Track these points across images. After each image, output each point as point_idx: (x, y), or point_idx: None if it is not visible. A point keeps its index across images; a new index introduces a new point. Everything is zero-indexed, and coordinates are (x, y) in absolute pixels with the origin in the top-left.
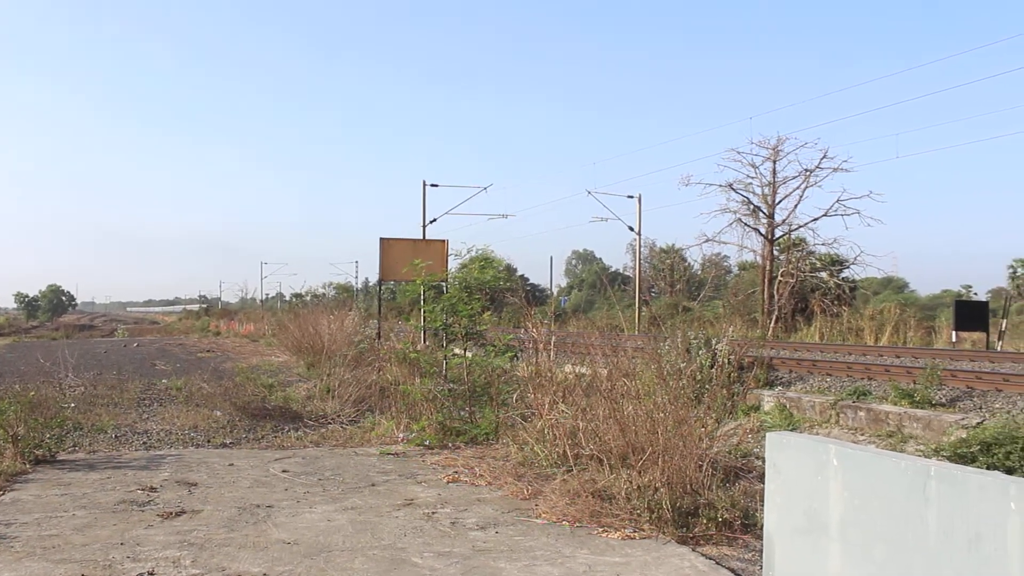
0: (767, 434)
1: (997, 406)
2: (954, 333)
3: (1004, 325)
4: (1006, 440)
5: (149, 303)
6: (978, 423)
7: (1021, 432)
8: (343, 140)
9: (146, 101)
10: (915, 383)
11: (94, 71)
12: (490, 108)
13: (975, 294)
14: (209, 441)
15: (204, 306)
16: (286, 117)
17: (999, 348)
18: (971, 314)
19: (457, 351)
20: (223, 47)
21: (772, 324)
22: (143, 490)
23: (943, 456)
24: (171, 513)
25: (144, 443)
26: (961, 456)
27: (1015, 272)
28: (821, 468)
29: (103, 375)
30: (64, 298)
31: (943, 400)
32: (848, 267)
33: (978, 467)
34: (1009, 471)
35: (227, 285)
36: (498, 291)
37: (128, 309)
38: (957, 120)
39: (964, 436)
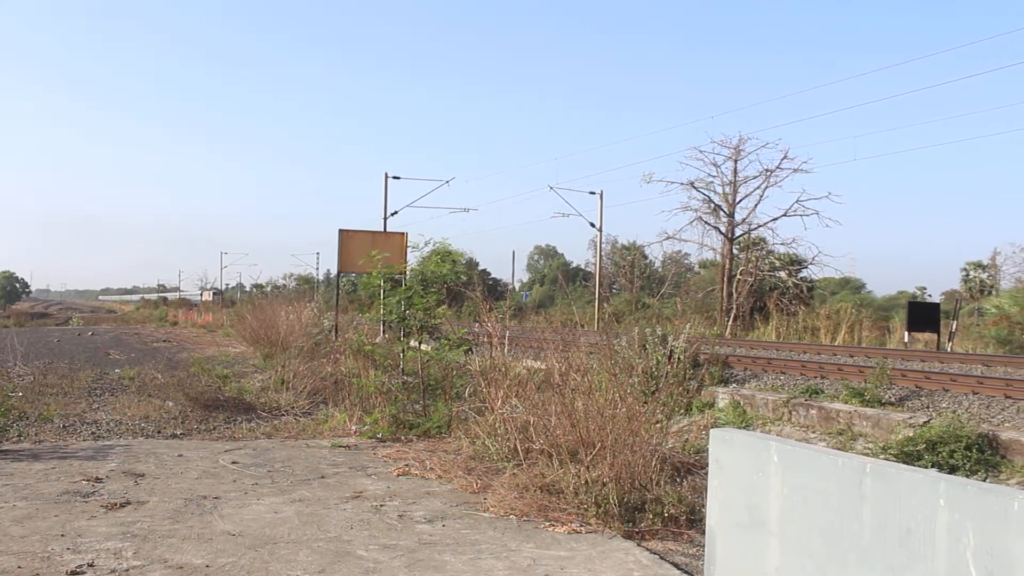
0: (711, 431)
1: (944, 405)
2: (907, 334)
3: (954, 327)
4: (951, 439)
5: (106, 291)
6: (925, 422)
7: (965, 431)
8: (307, 131)
9: (102, 87)
10: (866, 382)
11: (49, 56)
12: (453, 102)
13: (929, 296)
14: (160, 432)
15: (163, 296)
16: (249, 107)
17: (949, 349)
18: (924, 315)
19: (413, 344)
20: (187, 33)
21: (730, 322)
22: (88, 481)
23: (890, 454)
24: (115, 504)
25: (93, 433)
26: (907, 454)
27: (968, 275)
28: (762, 465)
29: (54, 364)
30: (18, 285)
31: (892, 399)
32: (806, 267)
33: (923, 465)
34: (953, 469)
35: (186, 275)
36: (457, 285)
37: (100, 298)
38: (914, 124)
39: (911, 435)
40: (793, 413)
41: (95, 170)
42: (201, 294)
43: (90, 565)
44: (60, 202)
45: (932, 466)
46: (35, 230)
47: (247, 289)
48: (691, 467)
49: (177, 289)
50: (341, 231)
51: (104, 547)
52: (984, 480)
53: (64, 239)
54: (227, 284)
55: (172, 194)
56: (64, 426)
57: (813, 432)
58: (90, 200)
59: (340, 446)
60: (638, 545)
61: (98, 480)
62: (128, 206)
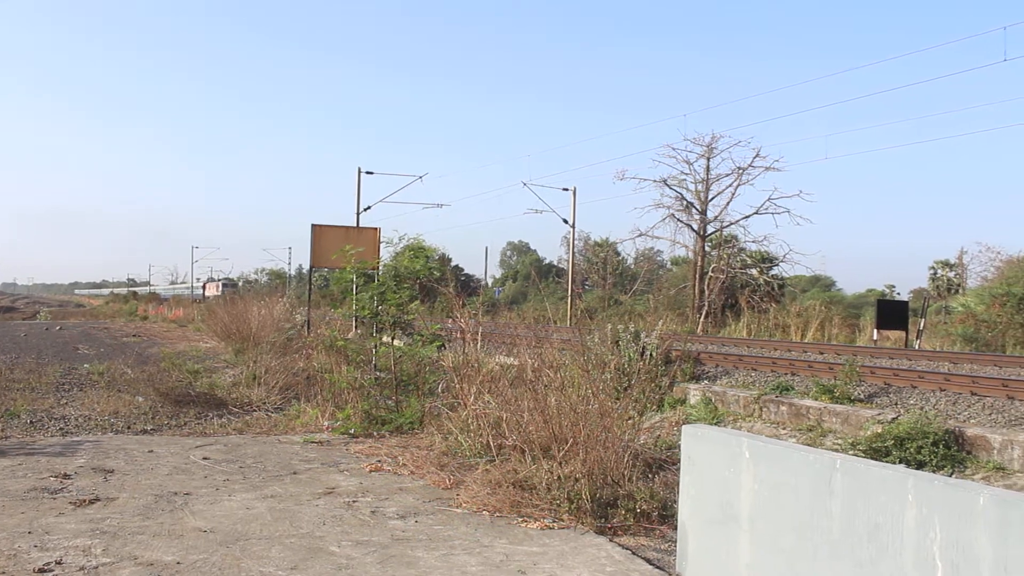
0: (683, 427)
1: (912, 402)
2: (876, 331)
3: (922, 324)
4: (918, 435)
5: (75, 285)
6: (893, 418)
7: (932, 427)
8: (280, 127)
9: (72, 81)
10: (836, 379)
11: (17, 49)
12: (427, 98)
13: (898, 294)
14: (129, 427)
15: (132, 290)
16: (219, 101)
17: (917, 346)
18: (892, 313)
19: (385, 340)
20: (161, 31)
21: (702, 319)
22: (56, 477)
23: (859, 450)
24: (84, 501)
25: (61, 429)
26: (876, 450)
27: (935, 273)
28: (734, 460)
29: (21, 359)
30: None
31: (861, 396)
32: (777, 265)
33: (892, 461)
34: (920, 465)
35: (157, 269)
36: (430, 281)
37: (76, 292)
38: (885, 124)
39: (879, 431)
40: (764, 409)
41: (64, 165)
42: (204, 287)
43: (58, 563)
44: (28, 196)
45: (900, 462)
46: (1, 224)
47: None
48: (663, 463)
49: (147, 283)
50: (314, 226)
51: (73, 544)
52: (951, 476)
53: (32, 234)
54: (198, 278)
55: (142, 189)
56: (31, 422)
57: (784, 428)
58: (58, 195)
59: (312, 442)
60: (610, 541)
61: (66, 476)
62: (98, 201)
